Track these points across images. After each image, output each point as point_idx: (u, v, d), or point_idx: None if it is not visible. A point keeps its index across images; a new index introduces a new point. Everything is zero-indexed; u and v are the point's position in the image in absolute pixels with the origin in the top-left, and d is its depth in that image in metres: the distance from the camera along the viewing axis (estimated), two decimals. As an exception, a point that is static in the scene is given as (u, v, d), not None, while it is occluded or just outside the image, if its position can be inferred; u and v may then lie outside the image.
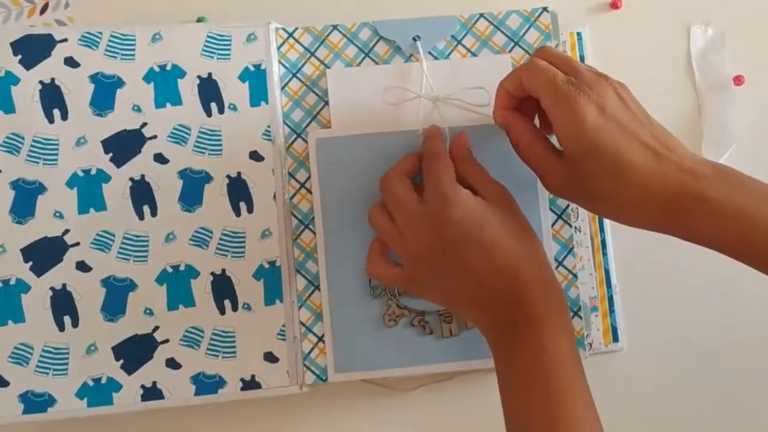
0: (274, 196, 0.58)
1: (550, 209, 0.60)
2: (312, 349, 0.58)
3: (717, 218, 0.44)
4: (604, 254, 0.63)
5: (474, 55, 0.62)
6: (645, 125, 0.47)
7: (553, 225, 0.60)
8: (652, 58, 0.66)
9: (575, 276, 0.60)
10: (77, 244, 0.56)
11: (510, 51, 0.61)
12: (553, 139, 0.52)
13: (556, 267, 0.60)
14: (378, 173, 0.56)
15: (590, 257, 0.62)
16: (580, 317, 0.59)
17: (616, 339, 0.62)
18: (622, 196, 0.46)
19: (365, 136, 0.58)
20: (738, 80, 0.65)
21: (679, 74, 0.66)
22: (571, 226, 0.61)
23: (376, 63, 0.61)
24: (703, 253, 0.57)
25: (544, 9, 0.62)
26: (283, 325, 0.57)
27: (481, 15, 0.62)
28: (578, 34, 0.64)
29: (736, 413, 0.62)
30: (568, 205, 0.61)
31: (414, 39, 0.61)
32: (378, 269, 0.54)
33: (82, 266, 0.56)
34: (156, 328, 0.56)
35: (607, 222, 0.63)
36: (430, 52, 0.61)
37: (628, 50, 0.65)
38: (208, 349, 0.56)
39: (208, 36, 0.59)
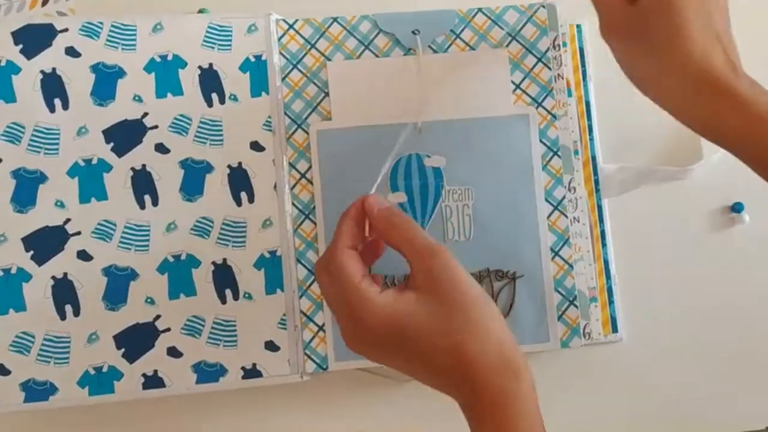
0: (275, 186, 0.58)
1: (546, 200, 0.61)
2: (312, 338, 0.58)
3: (743, 115, 0.45)
4: (604, 245, 0.63)
5: (472, 49, 0.62)
6: (719, 6, 0.48)
7: (549, 216, 0.61)
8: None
9: (571, 266, 0.61)
10: (78, 233, 0.56)
11: (507, 45, 0.62)
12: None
13: (552, 257, 0.60)
14: (378, 164, 0.56)
15: (590, 248, 0.63)
16: (576, 306, 0.60)
17: (615, 330, 0.62)
18: (670, 62, 0.47)
19: (366, 128, 0.59)
20: None
21: None
22: (567, 217, 0.61)
23: (376, 56, 0.61)
24: (703, 244, 0.58)
25: (541, 5, 0.63)
26: (284, 314, 0.57)
27: (479, 10, 0.62)
28: (578, 26, 0.65)
29: (734, 403, 0.62)
30: (564, 197, 0.61)
31: (413, 33, 0.61)
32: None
33: (84, 255, 0.56)
34: (157, 317, 0.56)
35: (606, 213, 0.64)
36: (429, 46, 0.62)
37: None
38: (209, 337, 0.56)
39: (209, 27, 0.59)
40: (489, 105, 0.61)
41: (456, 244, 0.60)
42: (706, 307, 0.64)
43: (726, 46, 0.47)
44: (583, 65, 0.65)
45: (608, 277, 0.63)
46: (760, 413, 0.62)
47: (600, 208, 0.64)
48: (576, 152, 0.63)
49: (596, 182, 0.64)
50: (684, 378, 0.63)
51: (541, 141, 0.62)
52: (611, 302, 0.63)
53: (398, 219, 0.47)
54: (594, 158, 0.64)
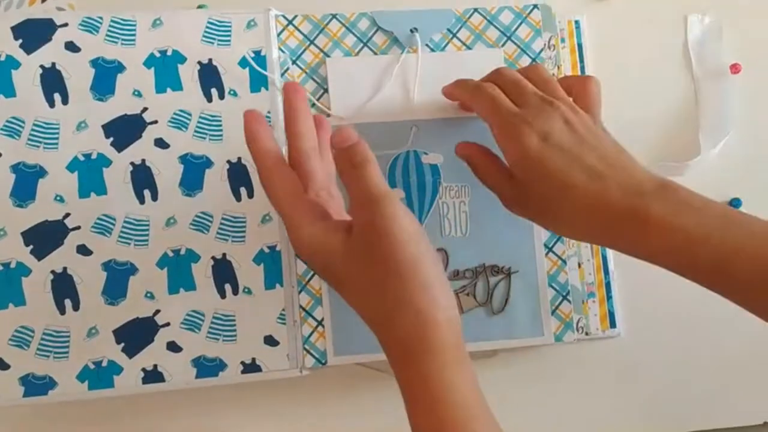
0: (275, 182, 0.58)
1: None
2: (312, 332, 0.59)
3: (659, 235, 0.44)
4: (602, 243, 0.64)
5: (469, 48, 0.63)
6: (591, 146, 0.48)
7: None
8: (649, 47, 0.67)
9: (564, 262, 0.61)
10: (78, 227, 0.56)
11: (503, 45, 0.63)
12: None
13: (546, 253, 0.61)
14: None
15: (587, 244, 0.63)
16: (569, 301, 0.61)
17: (613, 325, 0.63)
18: (566, 214, 0.48)
19: (363, 126, 0.59)
20: (734, 68, 0.67)
21: (676, 63, 0.67)
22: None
23: (375, 53, 0.62)
24: None
25: (535, 6, 0.63)
26: (283, 309, 0.57)
27: (475, 10, 0.63)
28: (576, 22, 0.65)
29: (732, 398, 0.63)
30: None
31: (411, 31, 0.62)
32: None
33: (83, 250, 0.56)
34: (157, 311, 0.56)
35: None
36: (426, 44, 0.62)
37: (626, 39, 0.67)
38: (208, 332, 0.56)
39: (209, 22, 0.59)
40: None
41: (452, 239, 0.60)
42: (703, 303, 0.64)
43: (616, 171, 0.47)
44: (582, 61, 0.65)
45: (606, 272, 0.63)
46: (757, 409, 0.63)
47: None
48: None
49: (593, 179, 0.64)
50: (681, 373, 0.63)
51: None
52: (609, 298, 0.63)
53: (360, 154, 0.45)
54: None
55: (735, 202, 0.65)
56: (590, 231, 0.48)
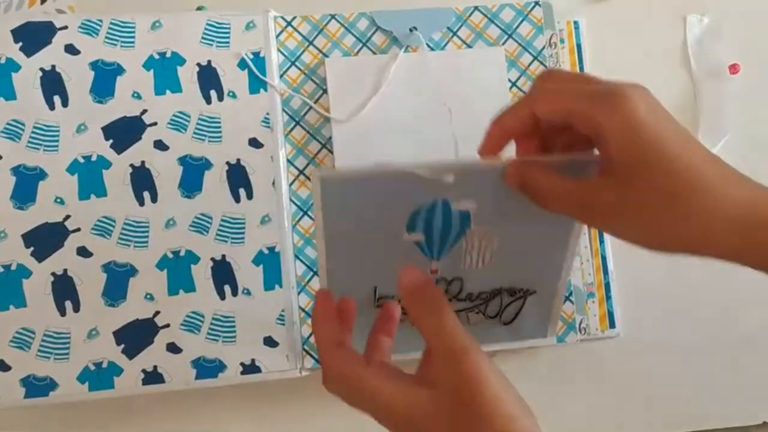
0: (273, 183, 0.58)
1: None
2: (311, 333, 0.59)
3: None
4: (601, 242, 0.64)
5: (469, 46, 0.63)
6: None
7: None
8: (648, 47, 0.67)
9: (568, 262, 0.61)
10: (78, 229, 0.57)
11: (503, 43, 0.63)
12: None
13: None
14: (392, 219, 0.45)
15: (587, 244, 0.63)
16: (572, 302, 0.61)
17: (612, 325, 0.63)
18: (692, 222, 0.35)
19: (376, 176, 0.48)
20: (733, 69, 0.67)
21: (675, 63, 0.67)
22: (564, 213, 0.62)
23: (374, 53, 0.62)
24: None
25: (536, 3, 0.63)
26: (283, 310, 0.57)
27: (476, 8, 0.63)
28: (575, 23, 0.65)
29: (732, 398, 0.63)
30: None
31: (411, 30, 0.62)
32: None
33: (83, 252, 0.56)
34: (157, 312, 0.56)
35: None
36: (426, 44, 0.62)
37: (625, 39, 0.66)
38: (208, 333, 0.57)
39: (208, 24, 0.59)
40: (486, 103, 0.62)
41: (471, 270, 0.50)
42: (703, 303, 0.64)
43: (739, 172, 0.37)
44: (581, 61, 0.65)
45: (606, 273, 0.63)
46: (756, 408, 0.63)
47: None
48: (572, 148, 0.63)
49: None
50: (681, 373, 0.63)
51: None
52: (608, 298, 0.63)
53: (430, 301, 0.41)
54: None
55: None
56: (722, 246, 0.36)
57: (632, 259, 0.64)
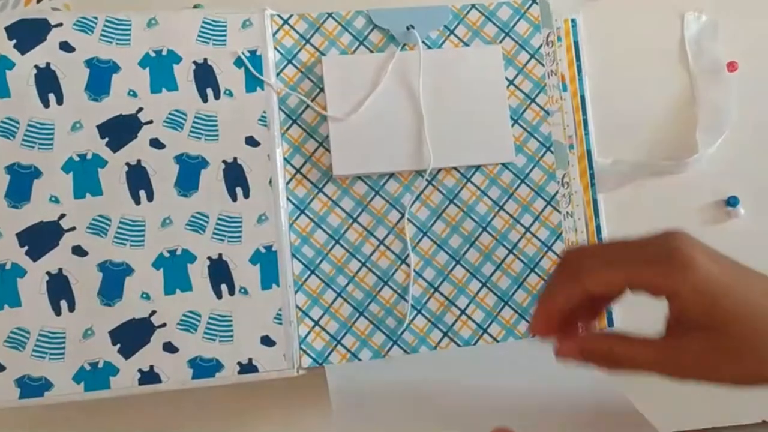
0: (270, 182, 0.58)
1: (539, 195, 0.61)
2: (308, 333, 0.59)
3: None
4: (599, 239, 0.64)
5: (466, 45, 0.63)
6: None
7: (542, 211, 0.62)
8: (646, 45, 0.67)
9: (565, 261, 0.61)
10: (73, 228, 0.56)
11: (501, 42, 0.63)
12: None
13: (545, 252, 0.61)
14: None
15: (585, 241, 0.63)
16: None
17: (611, 324, 0.63)
18: None
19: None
20: (731, 66, 0.67)
21: (673, 61, 0.67)
22: (560, 212, 0.62)
23: (371, 51, 0.62)
24: (698, 238, 0.58)
25: (534, 1, 0.63)
26: (280, 309, 0.57)
27: (473, 6, 0.63)
28: (573, 21, 0.65)
29: (731, 397, 0.61)
30: (557, 192, 0.62)
31: (408, 28, 0.62)
32: None
33: (78, 251, 0.56)
34: (153, 312, 0.56)
35: (601, 207, 0.64)
36: (423, 42, 0.62)
37: (623, 37, 0.67)
38: (205, 333, 0.56)
39: (204, 22, 0.59)
40: (485, 101, 0.62)
41: None
42: None
43: None
44: (578, 59, 0.65)
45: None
46: (755, 407, 0.63)
47: (596, 202, 0.64)
48: (571, 146, 0.64)
49: (591, 176, 0.65)
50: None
51: (533, 136, 0.62)
52: (606, 297, 0.63)
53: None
54: (589, 152, 0.65)
55: (732, 201, 0.65)
56: None
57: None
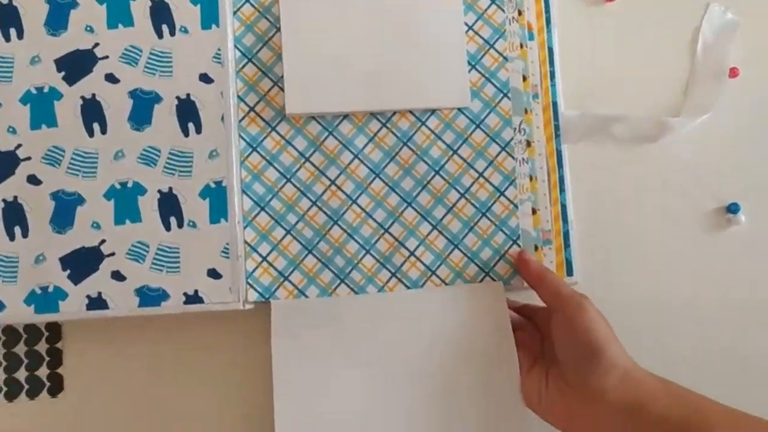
0: (222, 118, 0.59)
1: (494, 141, 0.61)
2: (256, 268, 0.60)
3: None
4: (562, 191, 0.63)
5: None
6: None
7: (496, 156, 0.61)
8: (659, 23, 0.68)
9: (516, 206, 0.61)
10: (29, 158, 0.58)
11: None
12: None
13: (498, 197, 0.61)
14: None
15: (546, 192, 0.62)
16: (519, 245, 0.61)
17: (570, 273, 0.62)
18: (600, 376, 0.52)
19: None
20: (733, 72, 0.66)
21: (681, 47, 0.68)
22: (514, 159, 0.62)
23: (329, -8, 0.62)
24: (698, 245, 0.58)
25: None
26: (227, 244, 0.58)
27: None
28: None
29: (731, 397, 0.59)
30: (512, 138, 0.61)
31: (367, -30, 0.62)
32: None
33: (33, 179, 0.58)
34: (102, 241, 0.58)
35: (566, 159, 0.64)
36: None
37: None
38: (152, 263, 0.58)
39: (162, -40, 0.60)
40: (442, 45, 0.62)
41: None
42: (702, 308, 0.64)
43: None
44: (547, 11, 0.65)
45: (565, 221, 0.63)
46: (757, 409, 0.59)
47: (559, 153, 0.64)
48: (536, 96, 0.63)
49: (556, 128, 0.64)
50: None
51: (490, 82, 0.62)
52: (567, 246, 0.63)
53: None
54: (555, 104, 0.64)
55: (733, 208, 0.64)
56: (620, 396, 0.51)
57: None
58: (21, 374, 0.61)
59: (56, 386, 0.61)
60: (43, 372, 0.61)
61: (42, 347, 0.61)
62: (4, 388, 0.61)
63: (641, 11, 0.67)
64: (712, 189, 0.65)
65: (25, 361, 0.61)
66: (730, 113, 0.66)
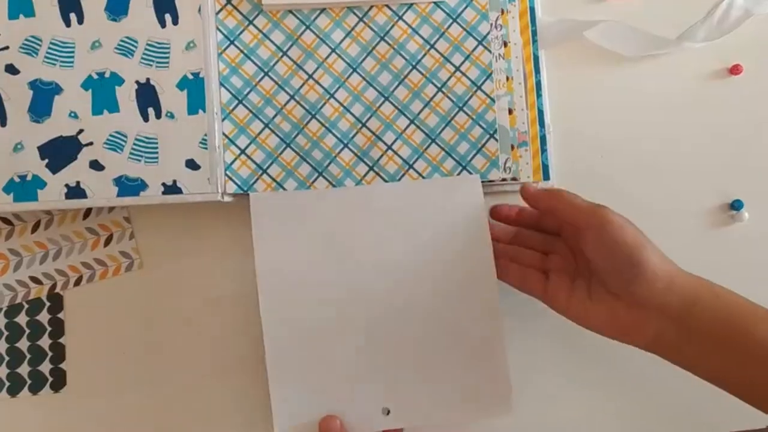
0: (200, 9, 0.59)
1: (471, 35, 0.61)
2: (234, 160, 0.60)
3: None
4: (539, 95, 0.63)
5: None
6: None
7: (473, 51, 0.62)
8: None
9: (493, 100, 0.62)
10: (6, 48, 0.58)
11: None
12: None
13: (475, 91, 0.61)
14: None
15: (522, 94, 0.63)
16: (496, 140, 0.61)
17: (546, 177, 0.63)
18: (643, 286, 0.52)
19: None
20: (735, 69, 0.66)
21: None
22: (491, 52, 0.62)
23: None
24: (701, 241, 0.63)
25: None
26: (205, 135, 0.59)
27: None
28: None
29: (732, 401, 0.54)
30: (489, 32, 0.62)
31: None
32: None
33: (11, 69, 0.58)
34: (80, 131, 0.58)
35: (543, 63, 0.64)
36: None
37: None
38: (131, 153, 0.58)
39: None
40: None
41: None
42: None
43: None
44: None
45: (542, 125, 0.63)
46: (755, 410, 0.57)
47: (536, 58, 0.64)
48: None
49: (534, 33, 0.64)
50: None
51: (467, -22, 0.62)
52: (543, 151, 0.63)
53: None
54: (532, 9, 0.64)
55: (737, 204, 0.64)
56: (668, 300, 0.52)
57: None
58: (24, 369, 0.61)
59: (59, 381, 0.61)
60: (45, 367, 0.61)
61: (45, 342, 0.61)
62: (7, 383, 0.61)
63: None
64: (716, 185, 0.65)
65: (28, 356, 0.61)
66: (734, 109, 0.66)
